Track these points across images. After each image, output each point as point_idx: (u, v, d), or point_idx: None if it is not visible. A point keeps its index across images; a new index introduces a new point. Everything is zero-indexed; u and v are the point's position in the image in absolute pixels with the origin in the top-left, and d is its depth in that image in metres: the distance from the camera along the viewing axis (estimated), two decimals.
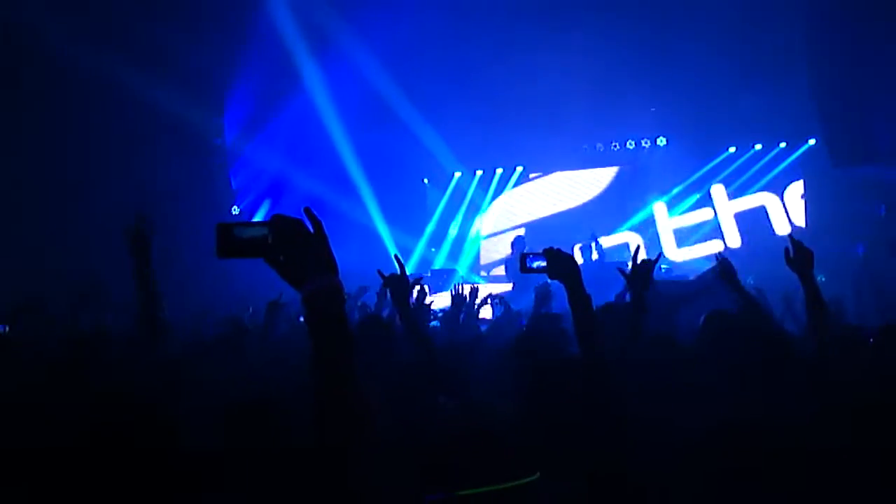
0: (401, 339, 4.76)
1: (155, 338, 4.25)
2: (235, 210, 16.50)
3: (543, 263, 3.81)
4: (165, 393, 3.70)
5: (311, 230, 2.18)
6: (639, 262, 4.55)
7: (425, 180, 19.90)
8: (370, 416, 2.13)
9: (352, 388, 2.11)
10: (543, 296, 7.48)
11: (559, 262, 3.79)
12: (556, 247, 3.86)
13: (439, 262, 18.62)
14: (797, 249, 4.39)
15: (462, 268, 18.29)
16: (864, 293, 9.05)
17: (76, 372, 4.13)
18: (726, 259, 5.49)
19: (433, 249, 19.20)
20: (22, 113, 11.93)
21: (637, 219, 17.99)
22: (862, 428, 3.08)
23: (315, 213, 2.22)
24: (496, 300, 8.84)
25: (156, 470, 1.85)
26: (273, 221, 2.19)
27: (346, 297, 2.21)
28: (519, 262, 3.94)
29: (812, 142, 16.23)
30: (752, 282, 12.70)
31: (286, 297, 6.67)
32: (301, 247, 2.16)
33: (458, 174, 19.57)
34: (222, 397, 3.35)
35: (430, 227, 19.35)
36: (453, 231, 19.56)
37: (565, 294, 3.73)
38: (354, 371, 2.13)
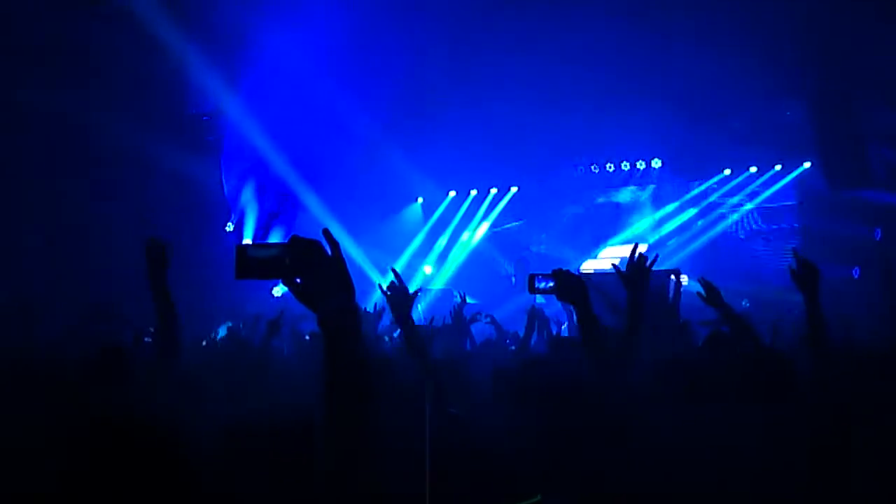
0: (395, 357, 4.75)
1: (172, 356, 4.27)
2: (230, 227, 16.51)
3: (552, 284, 3.79)
4: (178, 410, 3.69)
5: (329, 252, 2.18)
6: (636, 260, 4.17)
7: (420, 199, 19.92)
8: (383, 435, 2.14)
9: (367, 407, 2.11)
10: (536, 319, 7.48)
11: (568, 284, 3.77)
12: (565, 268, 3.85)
13: (431, 280, 18.65)
14: (802, 266, 4.35)
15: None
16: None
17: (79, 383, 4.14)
18: (707, 281, 5.28)
19: (427, 268, 19.22)
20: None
21: (624, 236, 18.09)
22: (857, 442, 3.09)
23: (332, 235, 2.21)
24: (486, 319, 8.82)
25: (169, 485, 1.86)
26: (291, 243, 2.18)
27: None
28: (528, 282, 3.90)
29: (808, 164, 16.27)
30: (746, 304, 12.75)
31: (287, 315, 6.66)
32: (318, 268, 2.16)
33: (452, 193, 19.59)
34: (231, 415, 3.35)
35: (413, 245, 19.37)
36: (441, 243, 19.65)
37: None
38: (370, 390, 2.14)
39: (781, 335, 7.09)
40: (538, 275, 3.85)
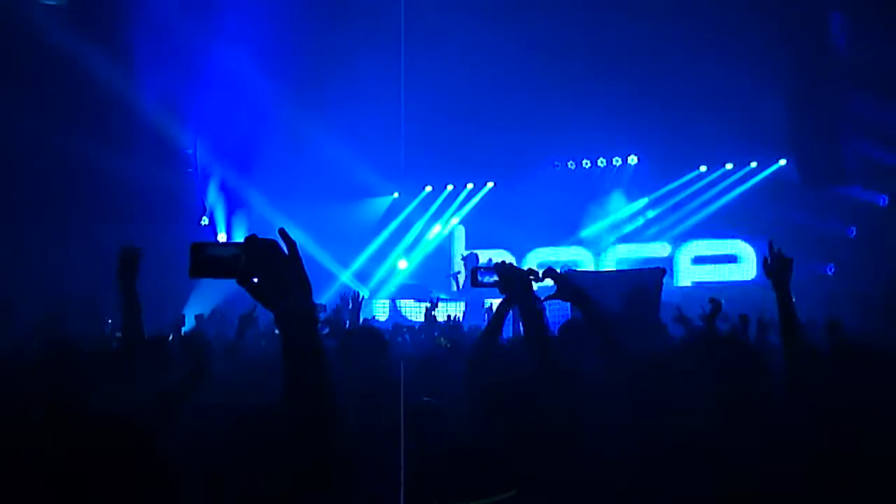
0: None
1: (137, 356, 4.30)
2: (205, 221, 16.53)
3: (495, 278, 3.77)
4: (148, 410, 3.66)
5: (286, 251, 2.16)
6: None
7: (396, 194, 19.87)
8: (345, 432, 2.14)
9: (325, 406, 2.12)
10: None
11: (511, 277, 3.75)
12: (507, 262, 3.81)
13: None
14: (775, 258, 4.30)
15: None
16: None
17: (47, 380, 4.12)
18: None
19: (402, 262, 19.23)
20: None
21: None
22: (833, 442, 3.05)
23: (289, 234, 2.19)
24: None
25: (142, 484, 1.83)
26: (247, 243, 2.16)
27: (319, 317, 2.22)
28: (470, 276, 3.87)
29: (783, 162, 16.32)
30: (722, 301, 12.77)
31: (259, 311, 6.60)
32: (275, 268, 2.15)
33: (428, 188, 19.56)
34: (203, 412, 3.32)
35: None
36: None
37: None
38: (328, 389, 2.13)
39: (761, 332, 7.04)
40: (481, 268, 3.83)
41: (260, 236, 2.18)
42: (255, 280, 2.15)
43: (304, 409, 2.10)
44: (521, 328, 7.40)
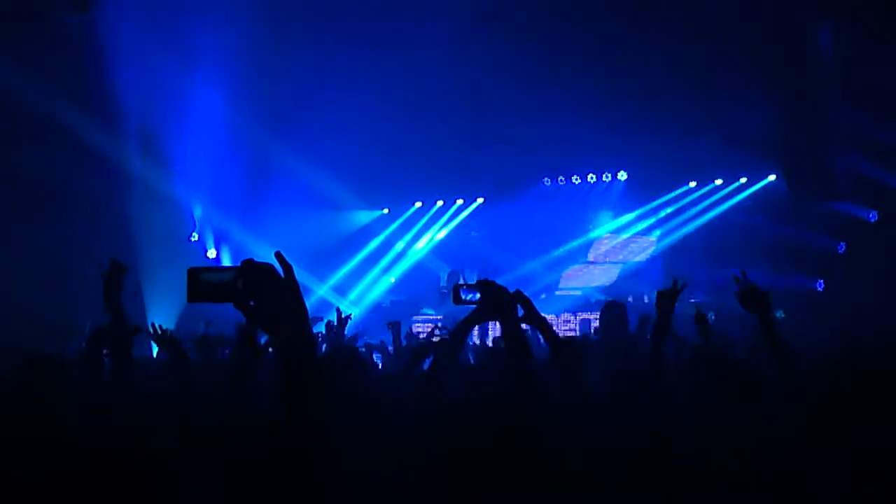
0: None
1: (125, 368, 4.34)
2: (195, 237, 16.55)
3: (478, 296, 3.71)
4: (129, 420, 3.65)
5: (282, 275, 2.18)
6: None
7: (385, 210, 19.80)
8: (342, 459, 2.17)
9: (323, 430, 2.14)
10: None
11: (494, 296, 3.69)
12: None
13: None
14: (750, 291, 4.24)
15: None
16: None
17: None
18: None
19: (392, 280, 19.16)
20: None
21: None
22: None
23: (286, 258, 2.21)
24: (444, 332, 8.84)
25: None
26: (243, 267, 2.19)
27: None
28: (451, 293, 3.80)
29: (772, 177, 16.33)
30: (711, 316, 12.73)
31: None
32: (271, 293, 2.16)
33: (418, 204, 19.50)
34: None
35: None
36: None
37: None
38: (326, 413, 2.16)
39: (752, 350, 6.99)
40: (464, 285, 3.77)
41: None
42: (252, 304, 2.18)
43: (305, 430, 2.12)
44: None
